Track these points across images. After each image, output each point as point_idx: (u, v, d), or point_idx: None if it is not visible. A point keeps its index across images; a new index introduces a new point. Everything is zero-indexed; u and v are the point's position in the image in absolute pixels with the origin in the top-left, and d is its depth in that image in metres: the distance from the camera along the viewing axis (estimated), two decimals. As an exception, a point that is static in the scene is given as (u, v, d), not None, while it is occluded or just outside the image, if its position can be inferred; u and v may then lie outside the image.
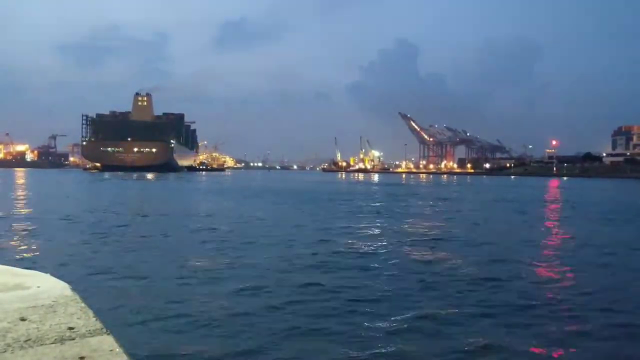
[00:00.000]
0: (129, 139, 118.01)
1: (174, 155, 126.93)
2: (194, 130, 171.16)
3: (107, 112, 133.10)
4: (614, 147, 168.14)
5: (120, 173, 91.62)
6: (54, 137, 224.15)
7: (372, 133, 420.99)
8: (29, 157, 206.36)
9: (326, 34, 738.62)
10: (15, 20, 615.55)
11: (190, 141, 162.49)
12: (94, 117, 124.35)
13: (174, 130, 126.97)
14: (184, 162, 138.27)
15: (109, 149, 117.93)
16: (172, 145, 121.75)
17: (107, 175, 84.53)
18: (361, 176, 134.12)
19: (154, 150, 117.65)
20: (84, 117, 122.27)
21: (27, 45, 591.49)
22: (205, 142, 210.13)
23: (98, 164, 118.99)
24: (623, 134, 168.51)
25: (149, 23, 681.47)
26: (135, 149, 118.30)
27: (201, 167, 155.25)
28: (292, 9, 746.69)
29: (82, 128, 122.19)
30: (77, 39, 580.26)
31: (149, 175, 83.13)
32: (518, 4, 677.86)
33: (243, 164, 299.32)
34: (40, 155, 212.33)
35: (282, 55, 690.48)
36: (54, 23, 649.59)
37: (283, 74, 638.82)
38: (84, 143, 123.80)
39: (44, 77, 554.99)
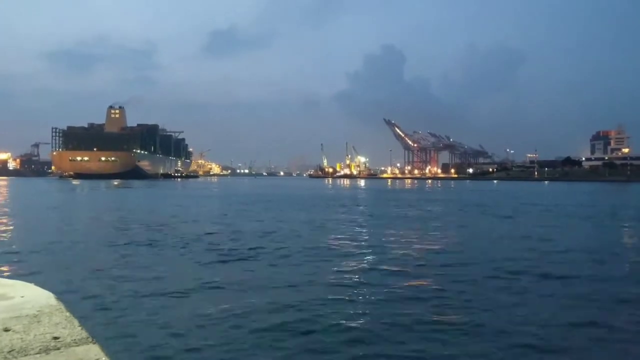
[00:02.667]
0: (94, 149, 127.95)
1: (145, 162, 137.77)
2: (182, 140, 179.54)
3: (97, 120, 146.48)
4: (592, 152, 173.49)
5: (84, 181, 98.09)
6: (36, 145, 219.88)
7: (358, 139, 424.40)
8: (12, 165, 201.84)
9: (314, 43, 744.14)
10: (4, 27, 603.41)
11: (174, 149, 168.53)
12: (65, 129, 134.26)
13: (140, 140, 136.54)
14: (159, 170, 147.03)
15: (78, 158, 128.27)
16: (134, 154, 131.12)
17: (75, 182, 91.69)
18: (347, 182, 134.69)
19: (117, 159, 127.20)
20: (54, 130, 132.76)
21: (15, 52, 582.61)
22: (191, 149, 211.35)
23: (71, 172, 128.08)
24: (601, 138, 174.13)
25: (139, 32, 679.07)
26: (103, 158, 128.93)
27: (176, 174, 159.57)
28: (281, 18, 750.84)
29: (52, 140, 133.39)
30: (67, 47, 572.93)
31: (115, 182, 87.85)
32: (502, 13, 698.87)
33: (230, 171, 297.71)
34: (22, 163, 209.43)
35: (271, 64, 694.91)
36: (43, 31, 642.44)
37: (271, 82, 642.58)
38: (54, 153, 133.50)
39: (31, 84, 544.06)
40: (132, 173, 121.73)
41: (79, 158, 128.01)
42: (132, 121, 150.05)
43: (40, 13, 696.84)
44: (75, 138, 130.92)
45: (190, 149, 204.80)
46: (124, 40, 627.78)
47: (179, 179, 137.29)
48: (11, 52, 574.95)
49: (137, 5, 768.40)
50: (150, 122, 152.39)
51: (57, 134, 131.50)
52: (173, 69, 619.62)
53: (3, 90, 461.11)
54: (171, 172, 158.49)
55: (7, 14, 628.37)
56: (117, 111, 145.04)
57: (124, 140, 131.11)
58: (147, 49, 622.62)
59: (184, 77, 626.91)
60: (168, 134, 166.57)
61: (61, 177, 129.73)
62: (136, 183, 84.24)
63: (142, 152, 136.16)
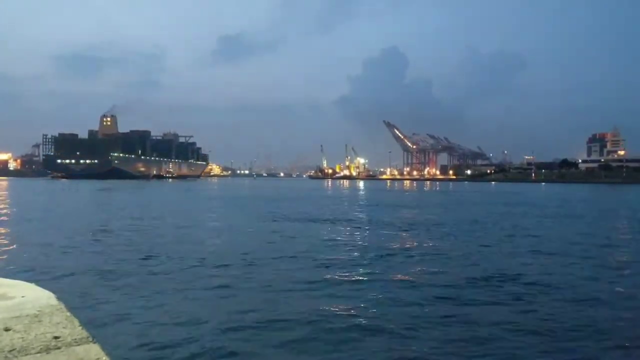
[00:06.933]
0: (77, 153, 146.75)
1: (139, 164, 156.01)
2: (193, 143, 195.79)
3: (96, 122, 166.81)
4: (589, 154, 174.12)
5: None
6: (37, 146, 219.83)
7: (358, 141, 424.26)
8: (12, 165, 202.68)
9: (320, 48, 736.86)
10: (12, 29, 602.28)
11: (176, 152, 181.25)
12: (56, 135, 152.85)
13: (122, 144, 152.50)
14: (153, 171, 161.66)
15: (67, 160, 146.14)
16: (111, 157, 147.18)
17: (64, 181, 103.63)
18: (347, 183, 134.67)
19: (95, 161, 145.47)
20: (44, 136, 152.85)
21: (24, 55, 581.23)
22: (207, 153, 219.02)
23: (60, 174, 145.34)
24: (597, 141, 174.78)
25: (148, 36, 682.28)
26: (81, 161, 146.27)
27: (168, 175, 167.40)
28: (289, 24, 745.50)
29: (42, 145, 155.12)
30: (76, 50, 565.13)
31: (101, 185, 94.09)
32: (502, 18, 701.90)
33: (230, 172, 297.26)
34: (23, 163, 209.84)
35: (277, 68, 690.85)
36: (52, 34, 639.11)
37: (276, 86, 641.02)
38: (44, 157, 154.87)
39: (39, 87, 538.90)
40: (111, 174, 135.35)
41: (67, 161, 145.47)
42: (133, 125, 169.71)
43: (49, 16, 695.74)
44: (64, 143, 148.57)
45: (206, 152, 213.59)
46: (133, 45, 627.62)
47: (170, 180, 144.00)
48: (20, 55, 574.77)
49: (147, 9, 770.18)
50: (156, 125, 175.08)
51: (48, 140, 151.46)
52: (181, 73, 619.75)
53: (10, 91, 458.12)
54: (163, 173, 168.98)
55: (16, 16, 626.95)
56: (109, 119, 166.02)
57: (105, 145, 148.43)
58: (156, 53, 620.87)
59: (192, 81, 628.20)
60: (169, 137, 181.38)
61: (53, 177, 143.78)
62: (113, 184, 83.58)
63: (126, 155, 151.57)
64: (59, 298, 1.86)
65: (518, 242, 14.91)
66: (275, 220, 21.24)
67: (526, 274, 9.66)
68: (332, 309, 6.96)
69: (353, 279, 9.23)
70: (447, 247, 13.50)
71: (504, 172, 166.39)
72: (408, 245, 13.96)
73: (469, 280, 9.01)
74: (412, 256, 11.93)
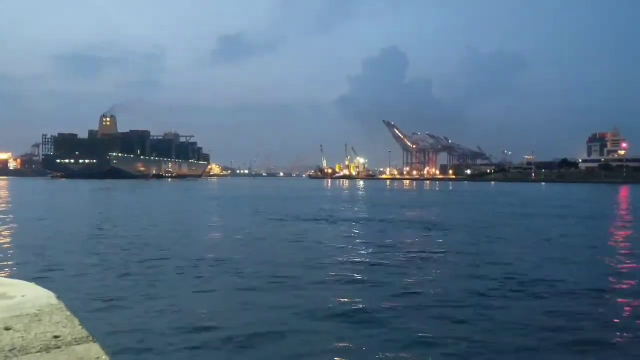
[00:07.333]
0: (77, 153, 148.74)
1: (139, 165, 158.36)
2: (194, 143, 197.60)
3: (95, 122, 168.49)
4: (589, 154, 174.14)
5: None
6: (37, 146, 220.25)
7: (358, 141, 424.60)
8: (12, 165, 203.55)
9: (321, 48, 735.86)
10: (13, 29, 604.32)
11: (176, 152, 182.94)
12: (56, 135, 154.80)
13: (121, 145, 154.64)
14: (152, 171, 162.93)
15: (66, 160, 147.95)
16: (109, 157, 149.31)
17: (63, 181, 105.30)
18: (347, 183, 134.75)
19: (95, 161, 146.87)
20: (44, 137, 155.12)
21: (24, 55, 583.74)
22: (209, 152, 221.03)
23: (60, 174, 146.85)
24: (597, 140, 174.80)
25: (148, 36, 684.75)
26: (81, 161, 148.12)
27: (167, 175, 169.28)
28: (290, 24, 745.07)
29: (42, 145, 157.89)
30: (76, 50, 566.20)
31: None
32: (502, 18, 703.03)
33: (230, 172, 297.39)
34: (24, 163, 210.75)
35: (277, 68, 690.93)
36: (52, 34, 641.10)
37: (276, 86, 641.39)
38: (44, 157, 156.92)
39: (39, 87, 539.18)
40: (110, 174, 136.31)
41: (66, 161, 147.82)
42: (133, 125, 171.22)
43: (49, 16, 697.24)
44: (64, 143, 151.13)
45: (207, 152, 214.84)
46: (133, 45, 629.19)
47: (169, 180, 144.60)
48: (20, 55, 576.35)
49: (147, 9, 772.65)
50: (156, 125, 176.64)
51: (48, 140, 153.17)
52: (181, 73, 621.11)
53: (10, 91, 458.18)
54: (163, 173, 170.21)
55: (16, 16, 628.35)
56: (109, 119, 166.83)
57: (104, 145, 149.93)
58: (156, 53, 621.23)
59: (192, 81, 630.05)
60: (170, 137, 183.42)
61: (52, 177, 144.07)
62: (111, 184, 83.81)
63: (125, 155, 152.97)
64: (59, 297, 1.86)
65: (529, 242, 14.92)
66: (283, 221, 21.23)
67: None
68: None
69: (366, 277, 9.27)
70: (452, 249, 13.50)
71: (504, 172, 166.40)
72: (418, 247, 13.95)
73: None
74: (421, 258, 11.91)
